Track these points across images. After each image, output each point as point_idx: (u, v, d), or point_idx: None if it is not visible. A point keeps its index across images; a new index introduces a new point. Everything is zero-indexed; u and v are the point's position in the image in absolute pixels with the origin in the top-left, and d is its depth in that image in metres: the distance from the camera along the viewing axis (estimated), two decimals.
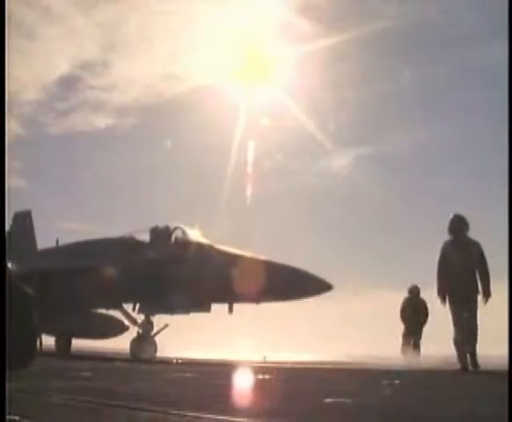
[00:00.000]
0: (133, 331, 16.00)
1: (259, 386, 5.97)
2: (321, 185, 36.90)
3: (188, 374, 7.69)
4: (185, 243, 15.11)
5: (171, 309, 14.80)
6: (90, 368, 8.38)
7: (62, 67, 42.68)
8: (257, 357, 15.82)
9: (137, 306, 15.63)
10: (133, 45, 37.47)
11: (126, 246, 15.99)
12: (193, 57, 36.06)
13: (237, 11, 23.50)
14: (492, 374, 8.41)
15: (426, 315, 14.31)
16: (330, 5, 33.76)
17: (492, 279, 9.54)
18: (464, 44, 37.00)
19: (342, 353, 17.50)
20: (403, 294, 14.90)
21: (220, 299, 14.30)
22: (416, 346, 14.29)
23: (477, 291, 9.30)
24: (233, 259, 14.05)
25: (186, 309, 14.56)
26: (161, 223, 16.13)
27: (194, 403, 3.78)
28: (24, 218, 21.15)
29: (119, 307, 16.30)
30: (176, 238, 15.46)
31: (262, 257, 14.13)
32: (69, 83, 42.55)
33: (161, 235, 15.62)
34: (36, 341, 6.98)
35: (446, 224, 9.76)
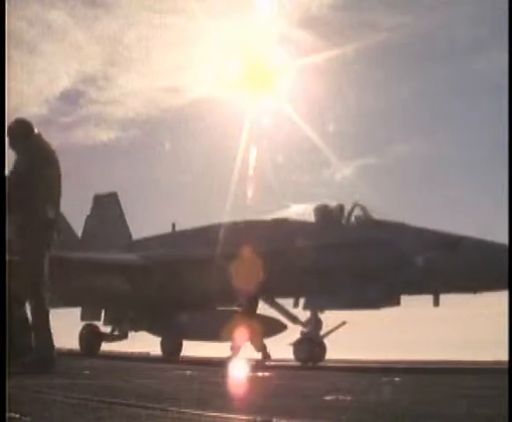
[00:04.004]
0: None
1: (259, 383, 5.98)
2: (325, 195, 36.85)
3: (188, 372, 7.70)
4: (368, 224, 12.50)
5: (351, 304, 12.18)
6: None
7: (64, 81, 42.80)
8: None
9: (302, 301, 13.12)
10: (134, 58, 37.50)
11: (282, 229, 13.52)
12: (195, 70, 36.13)
13: (238, 24, 23.48)
14: None
15: None
16: (330, 17, 33.73)
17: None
18: (465, 55, 36.97)
19: None
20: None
21: (421, 289, 11.62)
22: None
23: None
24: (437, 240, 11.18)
25: (374, 303, 11.89)
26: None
27: (194, 401, 3.79)
28: (108, 201, 19.34)
29: (271, 302, 14.15)
30: (356, 218, 12.86)
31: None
32: (70, 98, 42.52)
33: (333, 214, 13.08)
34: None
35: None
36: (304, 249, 12.79)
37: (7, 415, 2.90)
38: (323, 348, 12.87)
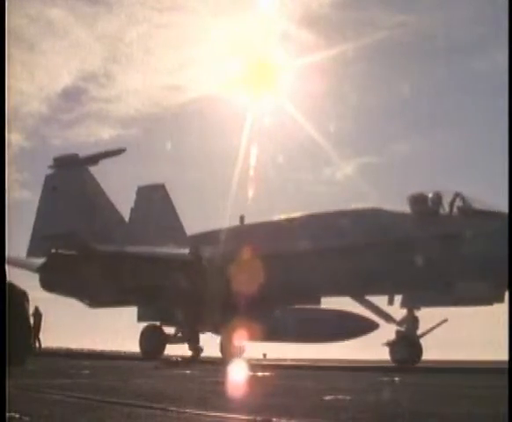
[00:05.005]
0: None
1: (258, 382, 5.97)
2: (326, 192, 36.82)
3: (188, 371, 7.69)
4: (470, 214, 11.30)
5: (457, 301, 11.11)
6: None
7: (66, 79, 42.92)
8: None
9: (399, 298, 12.16)
10: (135, 56, 37.61)
11: (374, 220, 12.45)
12: (196, 68, 36.22)
13: (239, 23, 23.61)
14: None
15: None
16: (331, 16, 33.88)
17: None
18: (465, 54, 37.04)
19: None
20: None
21: None
22: None
23: None
24: None
25: (482, 299, 10.88)
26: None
27: (194, 400, 3.78)
28: (155, 193, 18.26)
29: (361, 299, 12.95)
30: (459, 208, 11.60)
31: None
32: (72, 96, 42.70)
33: (431, 203, 11.96)
34: (31, 338, 7.01)
35: None
36: (402, 241, 11.73)
37: (7, 415, 2.90)
38: (419, 349, 12.12)
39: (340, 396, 4.19)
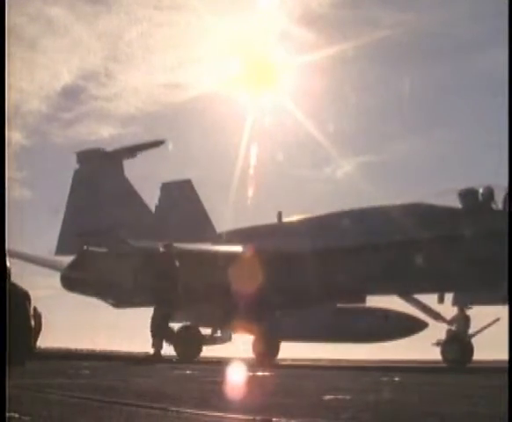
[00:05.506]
0: None
1: (256, 383, 5.98)
2: (326, 191, 36.84)
3: (188, 371, 7.70)
4: None
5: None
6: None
7: (66, 78, 42.85)
8: None
9: (450, 296, 11.72)
10: (135, 55, 37.57)
11: (420, 215, 11.93)
12: (196, 66, 36.21)
13: (239, 22, 23.60)
14: None
15: None
16: (330, 15, 33.86)
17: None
18: (464, 53, 37.04)
19: None
20: None
21: None
22: None
23: None
24: None
25: None
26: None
27: (193, 400, 3.79)
28: (181, 189, 17.45)
29: (408, 298, 12.50)
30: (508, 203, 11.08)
31: None
32: (72, 94, 42.65)
33: (482, 198, 11.49)
34: (32, 339, 7.01)
35: None
36: (452, 236, 11.29)
37: (7, 414, 2.90)
38: (470, 348, 11.71)
39: (339, 396, 4.20)
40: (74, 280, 15.77)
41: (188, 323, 14.87)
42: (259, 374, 7.17)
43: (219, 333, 14.87)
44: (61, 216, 18.09)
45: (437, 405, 3.93)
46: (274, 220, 15.21)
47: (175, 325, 14.48)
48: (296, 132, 19.01)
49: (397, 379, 6.51)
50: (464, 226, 11.24)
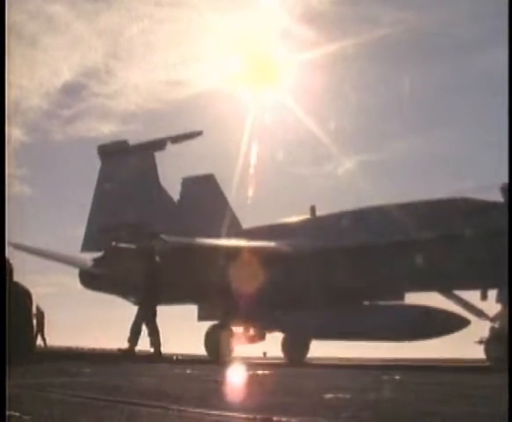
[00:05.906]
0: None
1: (257, 382, 5.98)
2: (326, 188, 36.77)
3: (188, 371, 7.70)
4: None
5: None
6: None
7: (66, 74, 42.82)
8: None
9: (494, 293, 11.33)
10: (136, 52, 37.47)
11: (463, 210, 11.56)
12: (197, 64, 36.10)
13: (240, 19, 23.56)
14: None
15: None
16: (331, 13, 33.79)
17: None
18: (464, 52, 36.99)
19: None
20: None
21: None
22: None
23: None
24: None
25: None
26: None
27: (194, 399, 3.79)
28: (204, 184, 16.87)
29: (449, 294, 12.08)
30: None
31: None
32: (72, 91, 42.64)
33: None
34: (33, 338, 7.03)
35: None
36: (496, 231, 10.76)
37: (7, 413, 2.91)
38: None
39: (340, 395, 4.20)
40: (97, 277, 15.26)
41: (217, 322, 14.12)
42: (260, 373, 7.17)
43: (251, 332, 14.17)
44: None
45: (437, 405, 3.93)
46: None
47: (204, 324, 14.07)
48: (296, 129, 19.00)
49: (397, 377, 6.51)
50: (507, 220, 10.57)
